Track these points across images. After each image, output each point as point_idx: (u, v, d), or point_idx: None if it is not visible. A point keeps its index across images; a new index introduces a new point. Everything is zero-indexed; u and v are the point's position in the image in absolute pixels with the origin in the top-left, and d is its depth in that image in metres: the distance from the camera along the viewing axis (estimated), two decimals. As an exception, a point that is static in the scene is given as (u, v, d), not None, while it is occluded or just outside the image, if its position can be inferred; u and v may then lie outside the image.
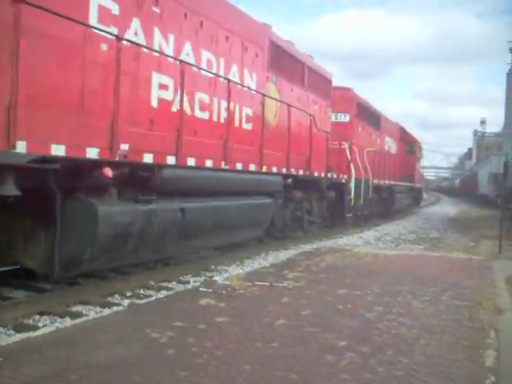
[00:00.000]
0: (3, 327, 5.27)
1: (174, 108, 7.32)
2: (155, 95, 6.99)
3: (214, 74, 8.32)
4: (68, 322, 5.48)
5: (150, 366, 4.03)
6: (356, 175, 16.03)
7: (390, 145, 23.87)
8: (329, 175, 13.89)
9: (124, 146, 6.24)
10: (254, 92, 9.80)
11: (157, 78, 6.99)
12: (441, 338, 5.09)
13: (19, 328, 5.26)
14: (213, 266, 9.07)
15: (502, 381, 4.12)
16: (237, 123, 9.23)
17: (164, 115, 7.12)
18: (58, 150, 5.38)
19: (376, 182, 19.51)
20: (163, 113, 7.11)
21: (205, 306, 5.98)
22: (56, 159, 5.39)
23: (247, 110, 9.62)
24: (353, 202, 15.89)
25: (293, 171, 11.45)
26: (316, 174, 12.96)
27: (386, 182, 21.86)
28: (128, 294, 6.91)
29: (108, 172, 5.98)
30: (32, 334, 4.81)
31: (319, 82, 13.47)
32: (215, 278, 7.89)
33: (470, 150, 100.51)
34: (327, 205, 14.69)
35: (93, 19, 5.86)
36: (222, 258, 9.77)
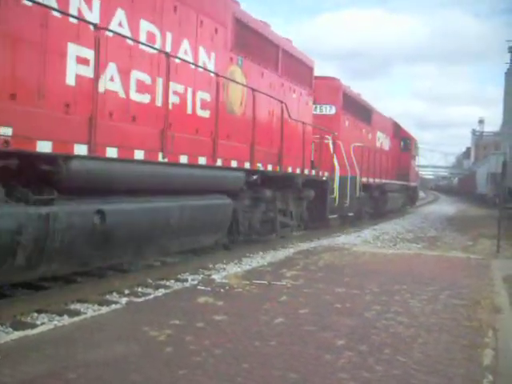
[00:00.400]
0: (1, 325, 5.28)
1: (102, 88, 6.14)
2: (72, 71, 5.78)
3: (156, 49, 7.04)
4: (66, 320, 5.47)
5: (148, 364, 4.02)
6: (340, 172, 14.65)
7: (383, 141, 22.51)
8: (306, 172, 12.17)
9: (4, 130, 4.91)
10: (212, 74, 8.41)
11: (74, 51, 5.79)
12: (439, 337, 5.09)
13: (17, 326, 5.26)
14: (211, 265, 9.08)
15: (500, 380, 4.12)
16: (189, 110, 7.93)
17: (83, 96, 5.87)
18: None
19: (365, 179, 18.01)
20: (82, 93, 5.86)
21: (203, 304, 5.98)
22: None
23: (203, 95, 8.24)
24: (337, 201, 14.33)
25: (260, 166, 9.92)
26: (290, 170, 11.33)
27: (377, 180, 20.26)
28: (126, 292, 6.92)
29: None
30: (30, 331, 4.80)
31: (297, 68, 12.01)
32: (213, 277, 7.88)
33: (468, 149, 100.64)
34: (307, 205, 13.20)
35: None
36: (220, 257, 9.78)
